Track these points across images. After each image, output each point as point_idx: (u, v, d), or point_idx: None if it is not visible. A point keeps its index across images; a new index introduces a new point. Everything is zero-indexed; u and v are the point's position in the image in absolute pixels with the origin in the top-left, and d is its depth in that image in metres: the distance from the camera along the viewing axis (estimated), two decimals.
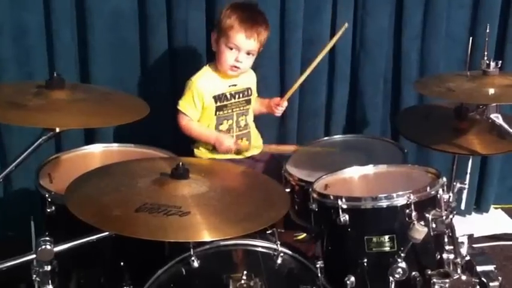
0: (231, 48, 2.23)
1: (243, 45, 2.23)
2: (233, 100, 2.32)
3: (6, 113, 1.66)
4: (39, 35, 2.50)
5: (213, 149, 2.32)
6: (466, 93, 2.04)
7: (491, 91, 2.00)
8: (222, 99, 2.30)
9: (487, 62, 2.08)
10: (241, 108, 2.35)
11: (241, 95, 2.34)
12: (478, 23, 2.81)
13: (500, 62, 2.09)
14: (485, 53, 2.13)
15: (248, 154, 2.40)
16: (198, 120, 2.32)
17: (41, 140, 1.70)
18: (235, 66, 2.26)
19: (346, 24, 2.42)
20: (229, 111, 2.32)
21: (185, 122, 2.29)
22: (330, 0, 2.69)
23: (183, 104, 2.29)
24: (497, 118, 2.05)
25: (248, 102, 2.37)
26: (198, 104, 2.28)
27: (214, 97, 2.28)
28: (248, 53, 2.26)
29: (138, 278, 1.79)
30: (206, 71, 2.32)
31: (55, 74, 1.79)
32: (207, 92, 2.27)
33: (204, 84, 2.28)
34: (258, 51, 2.30)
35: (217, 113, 2.30)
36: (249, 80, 2.38)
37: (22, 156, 1.70)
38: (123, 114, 1.80)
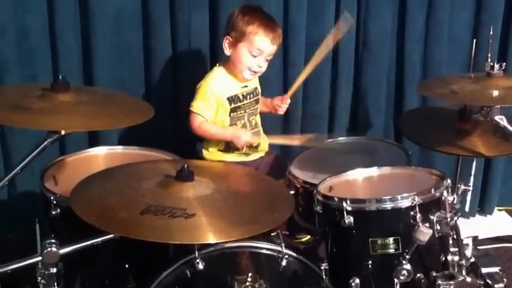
0: (254, 55, 2.23)
1: (266, 50, 2.23)
2: (245, 101, 2.33)
3: (12, 115, 1.66)
4: (43, 37, 2.50)
5: (225, 148, 2.32)
6: (470, 95, 2.04)
7: (495, 93, 2.00)
8: (236, 100, 2.30)
9: (491, 63, 2.07)
10: (252, 108, 2.36)
11: (251, 96, 2.35)
12: (480, 25, 2.81)
13: (504, 64, 2.09)
14: (489, 55, 2.13)
15: (257, 156, 2.40)
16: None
17: (46, 142, 1.71)
18: (255, 71, 2.27)
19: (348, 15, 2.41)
20: (242, 111, 2.32)
21: (199, 123, 2.25)
22: (333, 2, 2.69)
23: (197, 105, 2.25)
24: (502, 120, 2.04)
25: (257, 102, 2.38)
26: (213, 105, 2.26)
27: (228, 98, 2.28)
28: (267, 59, 2.27)
29: (143, 280, 1.80)
30: (218, 72, 2.31)
31: (60, 77, 1.79)
32: (221, 93, 2.27)
33: (218, 85, 2.27)
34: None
35: (232, 114, 2.30)
36: (255, 79, 2.39)
37: (28, 159, 1.70)
38: (128, 116, 1.80)
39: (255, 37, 2.20)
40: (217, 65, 2.34)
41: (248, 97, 2.33)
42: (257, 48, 2.21)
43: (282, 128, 2.77)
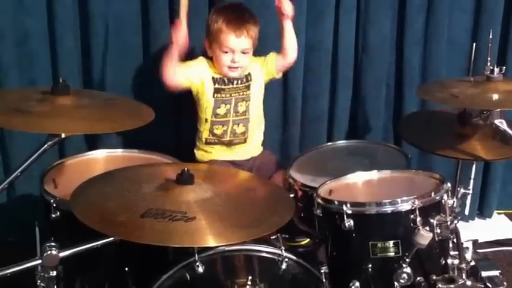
0: (226, 52, 2.27)
1: (236, 46, 2.27)
2: (231, 85, 2.35)
3: (12, 118, 1.66)
4: (42, 40, 2.51)
5: (209, 135, 2.36)
6: (469, 98, 2.04)
7: (495, 97, 2.00)
8: (220, 82, 2.34)
9: (491, 67, 2.08)
10: (241, 93, 2.37)
11: (240, 81, 2.36)
12: (480, 28, 2.81)
13: (504, 67, 2.09)
14: (489, 59, 2.13)
15: (248, 156, 2.41)
16: (197, 101, 2.36)
17: (46, 145, 1.70)
18: (233, 67, 2.30)
19: None
20: (228, 95, 2.35)
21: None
22: (332, 6, 2.69)
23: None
24: (502, 123, 2.05)
25: (248, 87, 2.38)
26: (194, 69, 2.32)
27: (213, 78, 2.33)
28: (243, 52, 2.29)
29: (142, 283, 1.80)
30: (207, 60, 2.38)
31: (60, 80, 1.79)
32: (207, 71, 2.33)
33: (207, 64, 2.34)
34: (253, 47, 2.33)
35: (215, 95, 2.33)
36: (250, 65, 2.38)
37: (27, 162, 1.70)
38: (128, 120, 1.80)
39: (221, 35, 2.26)
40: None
41: (235, 82, 2.35)
42: (226, 46, 2.26)
43: (281, 130, 2.77)
